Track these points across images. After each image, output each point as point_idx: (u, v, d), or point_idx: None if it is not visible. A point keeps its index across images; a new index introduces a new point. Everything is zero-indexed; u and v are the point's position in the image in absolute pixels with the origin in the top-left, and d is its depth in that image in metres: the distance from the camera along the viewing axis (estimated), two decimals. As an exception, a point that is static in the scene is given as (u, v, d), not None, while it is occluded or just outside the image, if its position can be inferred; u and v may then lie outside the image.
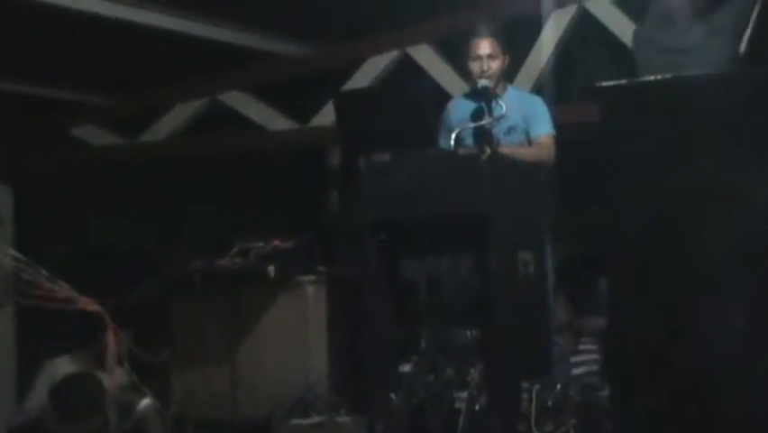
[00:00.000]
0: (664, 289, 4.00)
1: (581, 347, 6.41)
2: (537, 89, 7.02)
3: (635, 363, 4.06)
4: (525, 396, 4.91)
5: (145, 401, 5.25)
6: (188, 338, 5.78)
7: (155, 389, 5.83)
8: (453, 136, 5.34)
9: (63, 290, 5.19)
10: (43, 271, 5.47)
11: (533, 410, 4.85)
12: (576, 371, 6.01)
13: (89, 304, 5.25)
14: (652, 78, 4.85)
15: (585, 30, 7.44)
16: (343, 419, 5.15)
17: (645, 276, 4.03)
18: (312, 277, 5.74)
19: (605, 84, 4.21)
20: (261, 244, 5.91)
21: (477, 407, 4.88)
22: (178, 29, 7.68)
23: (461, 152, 5.26)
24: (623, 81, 4.28)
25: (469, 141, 5.59)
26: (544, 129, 5.79)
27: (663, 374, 3.97)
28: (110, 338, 5.49)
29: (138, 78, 8.34)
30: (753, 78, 4.23)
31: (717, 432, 3.92)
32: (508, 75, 6.03)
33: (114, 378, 6.06)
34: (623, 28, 7.22)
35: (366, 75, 8.03)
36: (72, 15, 7.12)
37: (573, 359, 6.17)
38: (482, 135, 5.56)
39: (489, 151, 5.15)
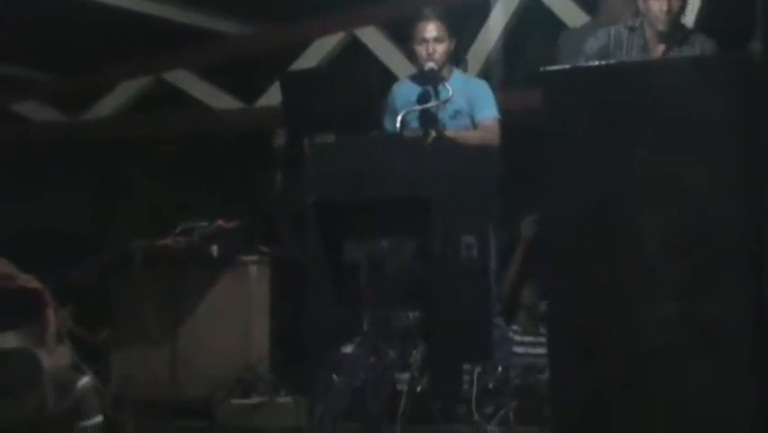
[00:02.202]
0: (601, 276, 4.07)
1: (543, 329, 6.44)
2: (484, 74, 7.07)
3: (573, 349, 4.13)
4: (466, 378, 4.96)
5: (84, 380, 5.22)
6: (129, 318, 5.77)
7: (94, 368, 5.81)
8: (399, 119, 5.37)
9: (2, 266, 5.16)
10: (-20, 247, 5.44)
11: (473, 393, 4.89)
12: (535, 351, 6.04)
13: (29, 281, 5.22)
14: (596, 63, 4.93)
15: (533, 15, 7.50)
16: (284, 399, 5.15)
17: (584, 263, 4.10)
18: (255, 257, 5.74)
19: (549, 69, 4.27)
20: (205, 223, 5.92)
21: (418, 389, 4.92)
22: (123, 6, 7.64)
23: (406, 134, 5.30)
24: (566, 66, 4.33)
25: (414, 124, 5.62)
26: (489, 112, 5.83)
27: (600, 360, 4.05)
28: (50, 316, 5.46)
29: (82, 56, 8.29)
30: (694, 67, 4.31)
31: (651, 417, 4.00)
32: (455, 59, 6.07)
33: (53, 356, 6.03)
34: (571, 14, 7.29)
35: (313, 56, 8.04)
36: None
37: (532, 339, 6.20)
38: (427, 119, 5.60)
39: (433, 134, 5.19)
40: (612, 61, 5.09)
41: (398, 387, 4.92)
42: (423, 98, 5.69)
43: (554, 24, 7.34)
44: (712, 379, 3.93)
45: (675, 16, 5.27)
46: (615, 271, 4.05)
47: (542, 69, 4.27)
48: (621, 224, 4.06)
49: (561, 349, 4.20)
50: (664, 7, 5.22)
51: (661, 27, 5.26)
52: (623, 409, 4.01)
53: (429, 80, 5.67)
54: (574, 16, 7.24)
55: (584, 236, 4.10)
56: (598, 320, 4.06)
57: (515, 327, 6.25)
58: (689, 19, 5.81)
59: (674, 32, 5.30)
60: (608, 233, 4.08)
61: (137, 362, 5.70)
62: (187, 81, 8.52)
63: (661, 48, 5.31)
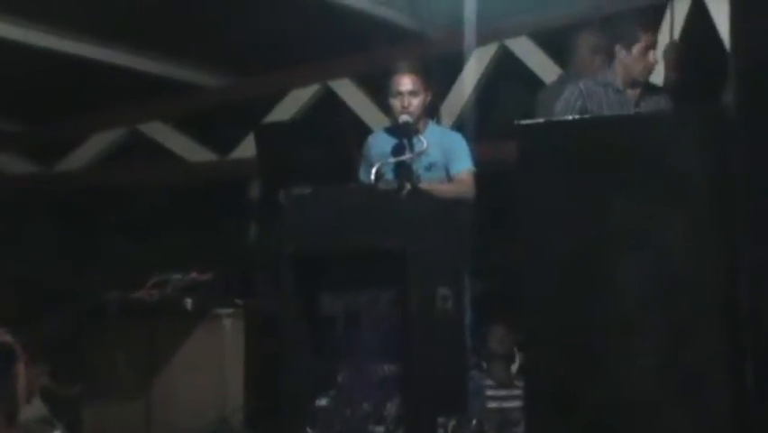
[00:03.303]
0: (578, 328, 4.07)
1: (517, 382, 6.43)
2: (458, 126, 7.10)
3: (549, 401, 4.12)
4: (440, 431, 4.94)
5: (56, 434, 5.18)
6: (102, 371, 5.73)
7: (67, 422, 5.76)
8: (374, 171, 5.38)
9: (-26, 319, 5.11)
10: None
11: (449, 445, 4.88)
12: (509, 404, 6.02)
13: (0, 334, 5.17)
14: (569, 117, 4.98)
15: (506, 68, 7.55)
16: (259, 453, 5.14)
17: (560, 315, 4.10)
18: (229, 310, 5.73)
19: (523, 122, 4.30)
20: (179, 276, 5.90)
21: (393, 441, 4.91)
22: (97, 57, 7.64)
23: (381, 186, 5.30)
24: (540, 120, 4.36)
25: (389, 176, 5.62)
26: (463, 165, 5.84)
27: (576, 413, 4.04)
28: (20, 370, 5.41)
29: (56, 107, 8.27)
30: (666, 122, 4.35)
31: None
32: (431, 112, 6.09)
33: (25, 410, 5.96)
34: (543, 66, 7.35)
35: (288, 108, 8.05)
36: (-10, 42, 7.07)
37: (507, 392, 6.18)
38: (403, 171, 5.60)
39: (408, 186, 5.20)
40: (586, 116, 5.14)
41: (374, 440, 4.90)
42: (397, 150, 5.70)
43: (528, 76, 7.40)
44: (690, 430, 3.92)
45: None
46: (591, 323, 4.05)
47: (516, 122, 4.29)
48: (597, 276, 4.08)
49: (537, 402, 4.19)
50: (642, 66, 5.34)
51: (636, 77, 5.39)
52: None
53: (404, 133, 5.69)
54: (547, 69, 7.30)
55: (560, 288, 4.11)
56: (574, 373, 4.06)
57: (489, 381, 6.23)
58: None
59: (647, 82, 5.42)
60: (584, 285, 4.09)
61: (110, 415, 5.65)
62: (161, 133, 8.51)
63: (635, 92, 5.40)
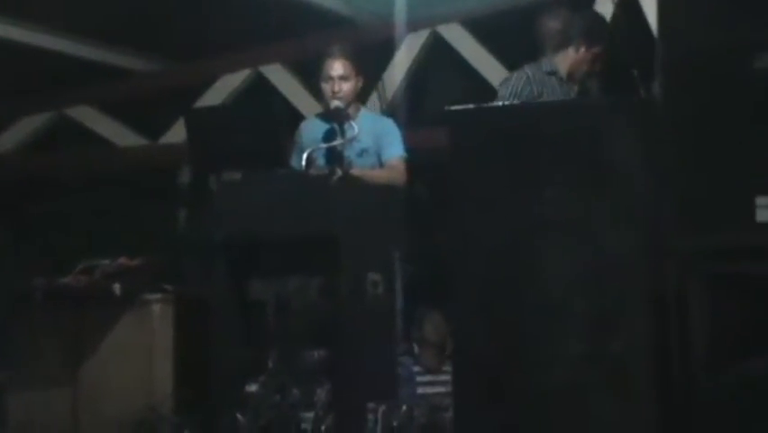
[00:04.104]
0: (505, 314, 4.08)
1: (446, 368, 6.44)
2: (390, 112, 7.09)
3: (477, 387, 4.13)
4: (370, 417, 4.94)
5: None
6: (29, 358, 5.64)
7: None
8: (305, 157, 5.36)
9: None
10: None
11: (378, 432, 4.87)
12: (438, 389, 6.03)
13: None
14: (499, 104, 4.99)
15: (437, 54, 7.56)
16: (189, 440, 5.12)
17: (488, 301, 4.11)
18: (158, 296, 5.68)
19: (453, 108, 4.29)
20: (107, 261, 5.84)
21: (323, 428, 4.90)
22: (25, 41, 7.53)
23: (313, 172, 5.28)
24: (470, 106, 4.35)
25: (321, 162, 5.61)
26: (395, 151, 5.84)
27: (502, 398, 4.05)
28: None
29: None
30: (597, 111, 4.36)
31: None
32: (362, 97, 6.07)
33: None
34: (474, 53, 7.36)
35: (218, 93, 8.01)
36: None
37: (437, 378, 6.20)
38: (334, 157, 5.59)
39: (340, 172, 5.18)
40: (516, 102, 5.17)
41: (303, 426, 4.90)
42: (329, 136, 5.68)
43: (459, 63, 7.41)
44: (616, 416, 3.95)
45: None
46: (520, 310, 4.06)
47: (446, 108, 4.28)
48: (527, 262, 4.08)
49: (465, 388, 4.19)
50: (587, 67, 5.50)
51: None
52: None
53: (336, 118, 5.66)
54: (478, 55, 7.31)
55: (490, 275, 4.11)
56: (503, 359, 4.06)
57: (418, 368, 6.25)
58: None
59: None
60: (513, 272, 4.09)
61: (36, 403, 5.57)
62: (90, 117, 8.42)
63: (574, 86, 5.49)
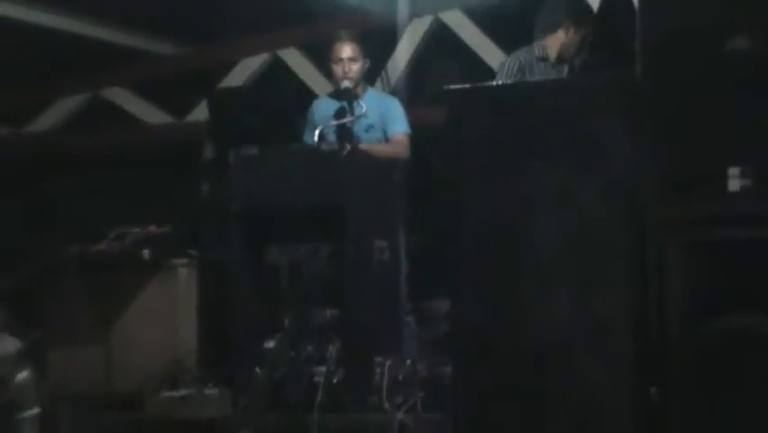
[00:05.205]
0: (498, 280, 4.09)
1: None
2: (394, 94, 7.05)
3: (472, 347, 4.13)
4: (377, 371, 4.95)
5: (23, 374, 5.11)
6: (64, 319, 5.67)
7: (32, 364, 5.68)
8: (317, 133, 5.36)
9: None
10: None
11: (385, 384, 4.89)
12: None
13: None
14: (494, 83, 4.97)
15: (440, 39, 7.51)
16: (210, 391, 5.15)
17: (483, 267, 4.11)
18: (184, 260, 5.69)
19: (451, 87, 4.28)
20: (137, 229, 5.84)
21: (334, 381, 4.92)
22: (64, 28, 7.53)
23: (324, 147, 5.28)
24: (467, 85, 4.34)
25: (331, 137, 5.60)
26: (399, 127, 5.86)
27: (496, 357, 4.06)
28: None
29: (21, 74, 8.12)
30: (583, 89, 4.33)
31: (545, 411, 4.01)
32: (369, 78, 6.06)
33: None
34: (475, 38, 7.31)
35: (239, 75, 7.99)
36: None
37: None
38: (344, 133, 5.59)
39: (349, 147, 5.18)
40: (509, 82, 5.15)
41: (316, 379, 4.92)
42: (339, 114, 5.69)
43: (461, 48, 7.36)
44: (599, 375, 3.95)
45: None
46: (512, 274, 4.07)
47: (445, 87, 4.27)
48: (518, 231, 4.09)
49: (461, 347, 4.20)
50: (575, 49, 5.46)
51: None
52: (518, 401, 4.02)
53: (345, 97, 5.67)
54: (479, 41, 7.27)
55: (484, 242, 4.13)
56: (494, 321, 4.07)
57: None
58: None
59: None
60: (505, 239, 4.11)
61: (72, 359, 5.60)
62: (121, 98, 8.42)
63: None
